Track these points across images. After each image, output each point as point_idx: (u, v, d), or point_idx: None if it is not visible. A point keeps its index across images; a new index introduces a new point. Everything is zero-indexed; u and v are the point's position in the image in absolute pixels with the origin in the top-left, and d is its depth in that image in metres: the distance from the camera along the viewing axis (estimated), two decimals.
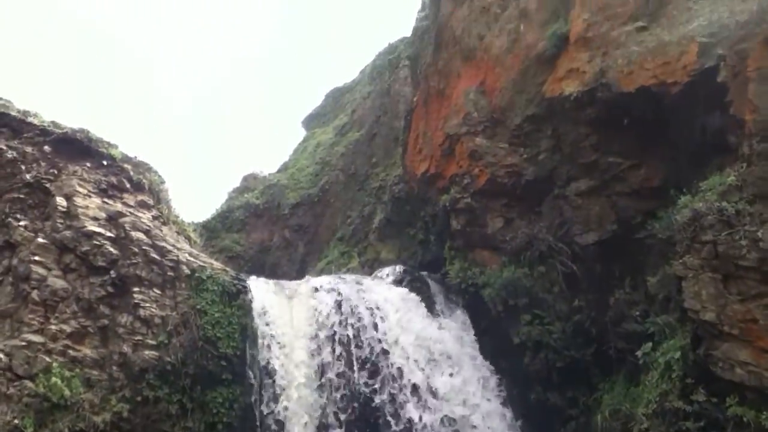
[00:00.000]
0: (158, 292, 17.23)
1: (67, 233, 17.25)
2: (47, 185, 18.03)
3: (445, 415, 15.59)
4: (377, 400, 15.71)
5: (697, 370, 12.04)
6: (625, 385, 14.65)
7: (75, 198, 17.89)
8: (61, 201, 17.72)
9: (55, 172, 18.36)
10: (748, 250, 11.37)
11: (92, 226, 17.51)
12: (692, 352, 12.12)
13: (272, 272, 25.49)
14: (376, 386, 15.83)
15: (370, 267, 21.35)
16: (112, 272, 17.11)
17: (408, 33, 27.84)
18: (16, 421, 14.66)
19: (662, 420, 12.49)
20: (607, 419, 14.36)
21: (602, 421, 14.46)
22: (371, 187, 25.12)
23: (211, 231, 28.26)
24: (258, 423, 16.09)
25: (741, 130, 12.52)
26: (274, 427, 15.83)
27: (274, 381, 16.22)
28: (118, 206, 18.46)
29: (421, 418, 15.40)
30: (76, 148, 19.12)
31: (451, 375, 16.21)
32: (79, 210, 17.69)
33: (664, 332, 13.41)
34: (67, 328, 16.48)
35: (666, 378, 12.73)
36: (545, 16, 17.15)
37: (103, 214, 17.95)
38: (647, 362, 13.50)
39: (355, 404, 15.85)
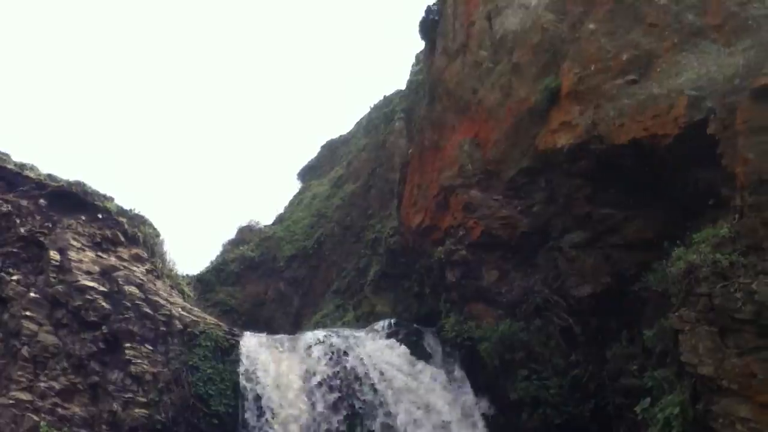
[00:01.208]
0: (150, 347, 17.01)
1: (60, 288, 17.14)
2: (41, 239, 18.00)
3: None
4: None
5: (696, 426, 11.77)
6: None
7: (69, 252, 17.85)
8: (54, 255, 17.66)
9: (50, 225, 18.35)
10: (743, 302, 11.26)
11: (85, 281, 17.42)
12: (691, 408, 11.85)
13: (267, 326, 25.19)
14: None
15: (365, 320, 21.11)
16: (104, 327, 16.95)
17: (403, 86, 28.30)
18: None
19: None
20: None
21: None
22: (367, 239, 25.07)
23: (206, 284, 28.08)
24: None
25: (732, 182, 12.56)
26: None
27: None
28: (112, 260, 18.39)
29: None
30: (72, 201, 19.17)
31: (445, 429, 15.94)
32: (73, 264, 17.62)
33: (662, 387, 13.13)
34: (57, 386, 16.22)
35: None
36: (537, 71, 17.37)
37: (97, 268, 17.88)
38: (646, 418, 13.17)
39: None
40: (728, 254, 11.72)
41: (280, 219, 33.23)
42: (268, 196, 73.78)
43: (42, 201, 18.74)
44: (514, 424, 16.17)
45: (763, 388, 10.93)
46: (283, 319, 27.13)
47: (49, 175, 19.49)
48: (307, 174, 36.91)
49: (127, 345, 16.87)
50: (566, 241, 16.53)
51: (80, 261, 17.83)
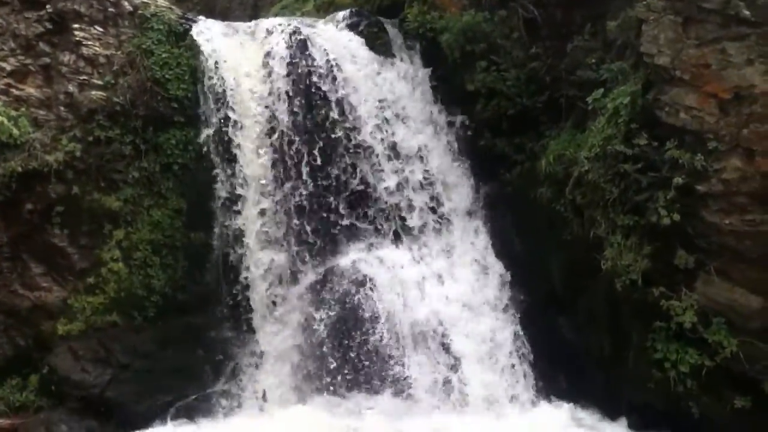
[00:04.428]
0: (100, 29, 16.32)
1: None
2: None
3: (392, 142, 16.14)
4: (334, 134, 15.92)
5: (643, 115, 12.28)
6: (572, 131, 14.95)
7: None
8: None
9: None
10: None
11: None
12: (641, 98, 12.27)
13: (223, 17, 24.11)
14: (331, 128, 15.93)
15: (325, 12, 20.22)
16: (48, 7, 16.08)
17: None
18: None
19: (603, 163, 13.00)
20: (551, 164, 14.84)
21: (546, 165, 14.94)
22: None
23: None
24: (214, 163, 16.19)
25: None
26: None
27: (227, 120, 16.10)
28: None
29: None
30: None
31: (403, 121, 16.46)
32: None
33: (617, 79, 13.44)
34: (7, 66, 15.92)
35: (612, 123, 13.01)
36: None
37: None
38: (596, 108, 13.69)
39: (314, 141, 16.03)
40: None
41: None
42: None
43: None
44: (468, 115, 16.64)
45: (714, 78, 11.25)
46: (240, 10, 25.96)
47: None
48: None
49: (75, 26, 16.18)
50: None
51: None
